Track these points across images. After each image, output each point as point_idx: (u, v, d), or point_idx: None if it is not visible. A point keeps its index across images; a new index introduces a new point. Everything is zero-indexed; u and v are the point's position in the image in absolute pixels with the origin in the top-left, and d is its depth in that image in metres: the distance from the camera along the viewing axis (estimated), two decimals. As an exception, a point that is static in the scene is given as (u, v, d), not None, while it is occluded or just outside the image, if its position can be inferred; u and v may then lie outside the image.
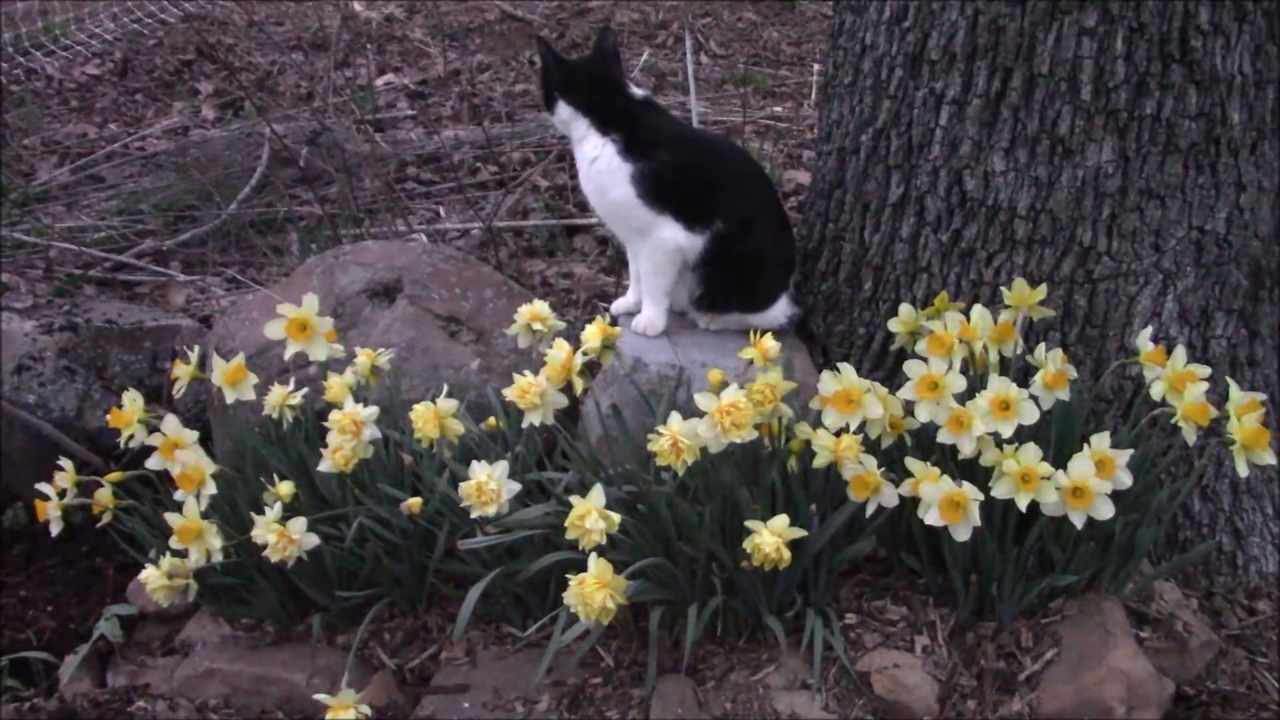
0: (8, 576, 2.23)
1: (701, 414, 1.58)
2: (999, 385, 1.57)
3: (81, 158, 3.98)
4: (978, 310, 1.73)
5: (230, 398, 1.82)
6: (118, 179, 3.84)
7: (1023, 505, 1.52)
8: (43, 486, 1.84)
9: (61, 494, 1.85)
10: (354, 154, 3.71)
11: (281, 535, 1.68)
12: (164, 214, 3.47)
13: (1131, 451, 1.56)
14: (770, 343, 1.66)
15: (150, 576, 1.76)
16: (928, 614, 1.74)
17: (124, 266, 3.19)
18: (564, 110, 1.89)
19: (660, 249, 1.88)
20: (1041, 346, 1.75)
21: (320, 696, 1.67)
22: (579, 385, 1.66)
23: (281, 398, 1.85)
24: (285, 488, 1.78)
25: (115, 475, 1.88)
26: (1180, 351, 1.66)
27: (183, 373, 1.90)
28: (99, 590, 2.15)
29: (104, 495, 1.87)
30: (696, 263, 1.87)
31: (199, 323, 2.53)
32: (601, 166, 1.88)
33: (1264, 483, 1.98)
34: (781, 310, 1.97)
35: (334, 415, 1.75)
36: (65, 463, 1.90)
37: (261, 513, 1.74)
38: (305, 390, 1.87)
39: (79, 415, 2.28)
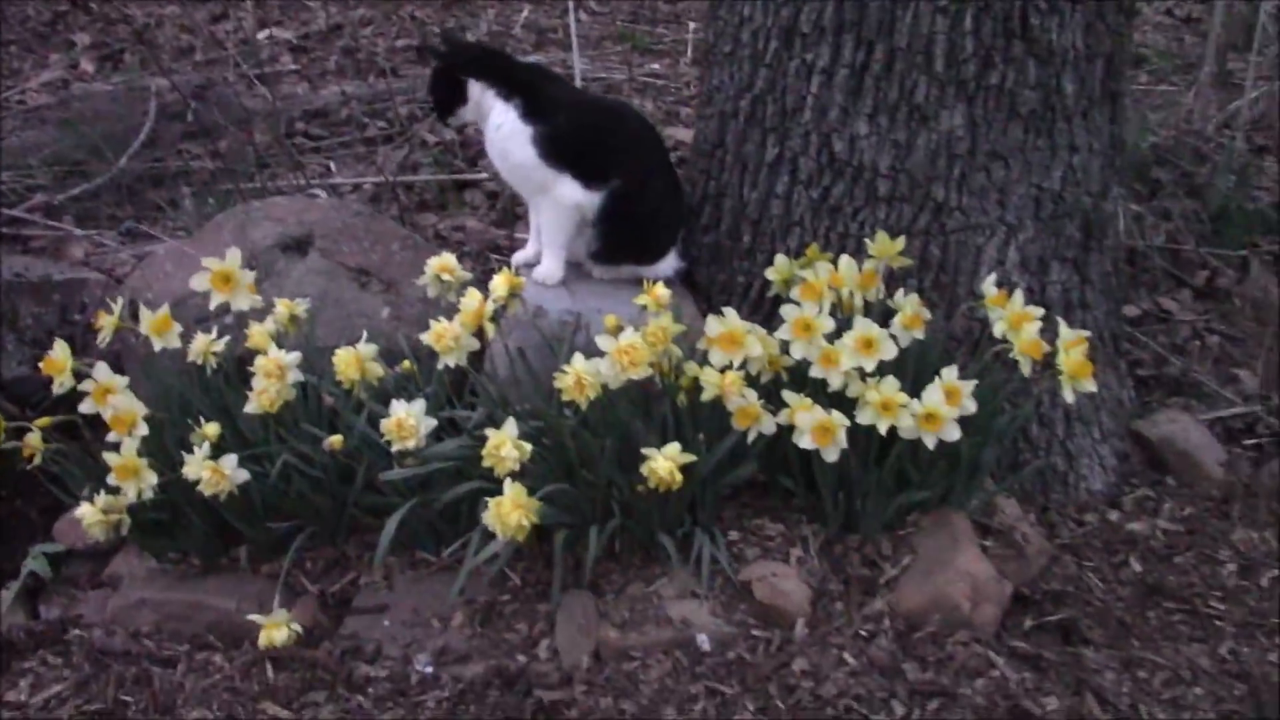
0: (-71, 521, 2.31)
1: (601, 354, 1.76)
2: (863, 326, 1.79)
3: (-42, 112, 3.95)
4: (844, 260, 1.94)
5: (157, 346, 1.95)
6: (-2, 135, 3.83)
7: (883, 429, 1.75)
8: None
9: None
10: (243, 108, 3.77)
11: (214, 471, 1.82)
12: (53, 168, 3.49)
13: (976, 382, 1.79)
14: (662, 290, 1.85)
15: (86, 513, 1.88)
16: (801, 530, 1.96)
17: (17, 221, 3.22)
18: (473, 89, 2.02)
19: (560, 206, 2.04)
20: (900, 292, 1.97)
21: (253, 616, 1.82)
22: (490, 330, 1.83)
23: (205, 345, 1.98)
24: (211, 429, 1.91)
25: (43, 421, 1.99)
26: (1019, 295, 1.89)
27: (107, 323, 2.01)
28: (23, 532, 2.24)
29: (34, 439, 1.97)
30: (595, 219, 2.04)
31: (105, 275, 2.61)
32: (506, 131, 2.03)
33: (1093, 410, 2.24)
34: (670, 263, 2.16)
35: (259, 360, 1.89)
36: (-11, 409, 2.00)
37: (188, 453, 1.88)
38: (227, 338, 1.99)
39: (-6, 365, 2.36)
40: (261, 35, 4.59)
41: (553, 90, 2.06)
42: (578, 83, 3.66)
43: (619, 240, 2.08)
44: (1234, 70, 3.99)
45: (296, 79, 4.26)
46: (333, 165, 3.60)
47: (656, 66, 4.39)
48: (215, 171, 3.47)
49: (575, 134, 2.02)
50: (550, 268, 2.08)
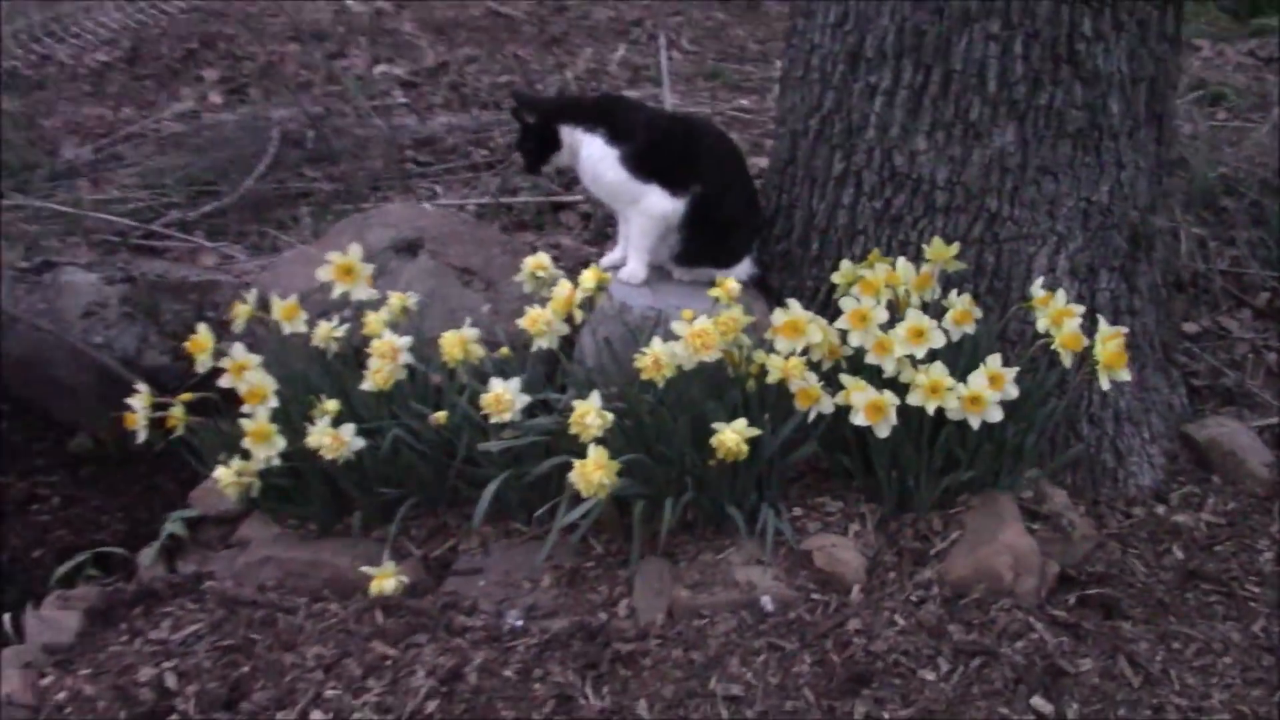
0: (79, 491, 2.59)
1: (678, 340, 1.97)
2: (914, 317, 1.97)
3: (101, 137, 4.32)
4: (901, 262, 2.13)
5: (286, 330, 2.20)
6: (137, 158, 4.18)
7: (930, 410, 1.93)
8: (130, 400, 2.20)
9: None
10: (357, 136, 4.08)
11: (334, 438, 2.07)
12: (186, 188, 3.82)
13: (1018, 369, 1.97)
14: (732, 283, 2.05)
15: (222, 475, 2.14)
16: (859, 508, 2.14)
17: (154, 234, 3.54)
18: (565, 134, 2.26)
19: (649, 215, 2.26)
20: (954, 292, 2.15)
21: (365, 568, 2.05)
22: (578, 316, 2.05)
23: (327, 331, 2.23)
24: (331, 404, 2.16)
25: (186, 396, 2.25)
26: (1061, 294, 2.06)
27: (241, 311, 2.27)
28: (162, 501, 2.52)
29: (177, 412, 2.24)
30: (679, 224, 2.26)
31: (235, 278, 2.89)
32: (596, 157, 2.26)
33: (1143, 412, 2.39)
34: (744, 268, 2.36)
35: (375, 343, 2.14)
36: (141, 386, 2.27)
37: (311, 425, 2.12)
38: (347, 325, 2.24)
39: (139, 355, 2.64)
40: (375, 70, 4.91)
41: (629, 114, 2.30)
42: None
43: (700, 244, 2.29)
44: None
45: (406, 111, 4.56)
46: (439, 188, 3.88)
47: (744, 102, 4.61)
48: (332, 192, 3.77)
49: (656, 148, 2.24)
50: (635, 269, 2.29)
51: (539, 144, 2.29)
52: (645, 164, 2.24)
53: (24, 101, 4.61)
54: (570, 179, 3.75)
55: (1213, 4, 5.47)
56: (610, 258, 2.39)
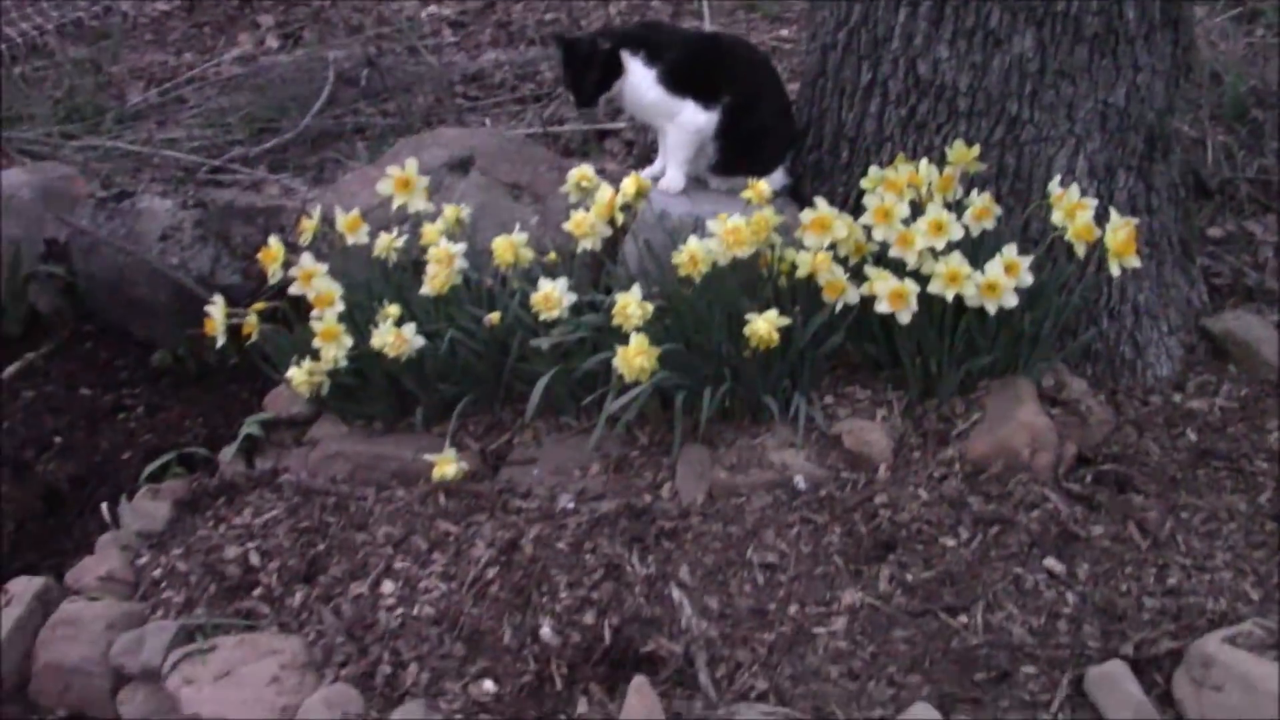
0: (161, 401, 2.79)
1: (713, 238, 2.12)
2: (934, 211, 2.10)
3: (164, 82, 4.51)
4: (923, 163, 2.25)
5: (349, 241, 2.38)
6: (199, 100, 4.37)
7: (949, 297, 2.07)
8: (209, 308, 2.39)
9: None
10: (409, 73, 4.23)
11: (397, 336, 2.24)
12: (248, 126, 4.00)
13: (1032, 257, 2.09)
14: (764, 185, 2.19)
15: (295, 374, 2.32)
16: (886, 395, 2.28)
17: (219, 170, 3.72)
18: (625, 58, 2.38)
19: (685, 128, 2.40)
20: (975, 192, 2.27)
21: (428, 455, 2.23)
22: (620, 219, 2.20)
23: (388, 242, 2.40)
24: (393, 309, 2.33)
25: (259, 305, 2.43)
26: (1074, 189, 2.18)
27: (308, 226, 2.44)
28: (239, 408, 2.70)
29: (251, 320, 2.42)
30: (715, 134, 2.40)
31: (300, 202, 3.07)
32: (636, 79, 2.40)
33: (1161, 306, 2.50)
34: (778, 177, 2.49)
35: (431, 250, 2.30)
36: (217, 298, 2.45)
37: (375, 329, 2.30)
38: (406, 236, 2.41)
39: (212, 274, 2.83)
40: (424, 13, 5.05)
41: (662, 35, 2.47)
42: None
43: (734, 153, 2.43)
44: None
45: (455, 50, 4.71)
46: (488, 121, 4.02)
47: (785, 33, 4.70)
48: (386, 126, 3.93)
49: (688, 65, 2.39)
50: (674, 178, 2.44)
51: (603, 73, 2.40)
52: (679, 80, 2.38)
53: (90, 50, 4.81)
54: (614, 109, 3.89)
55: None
56: (651, 169, 2.53)
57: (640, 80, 2.39)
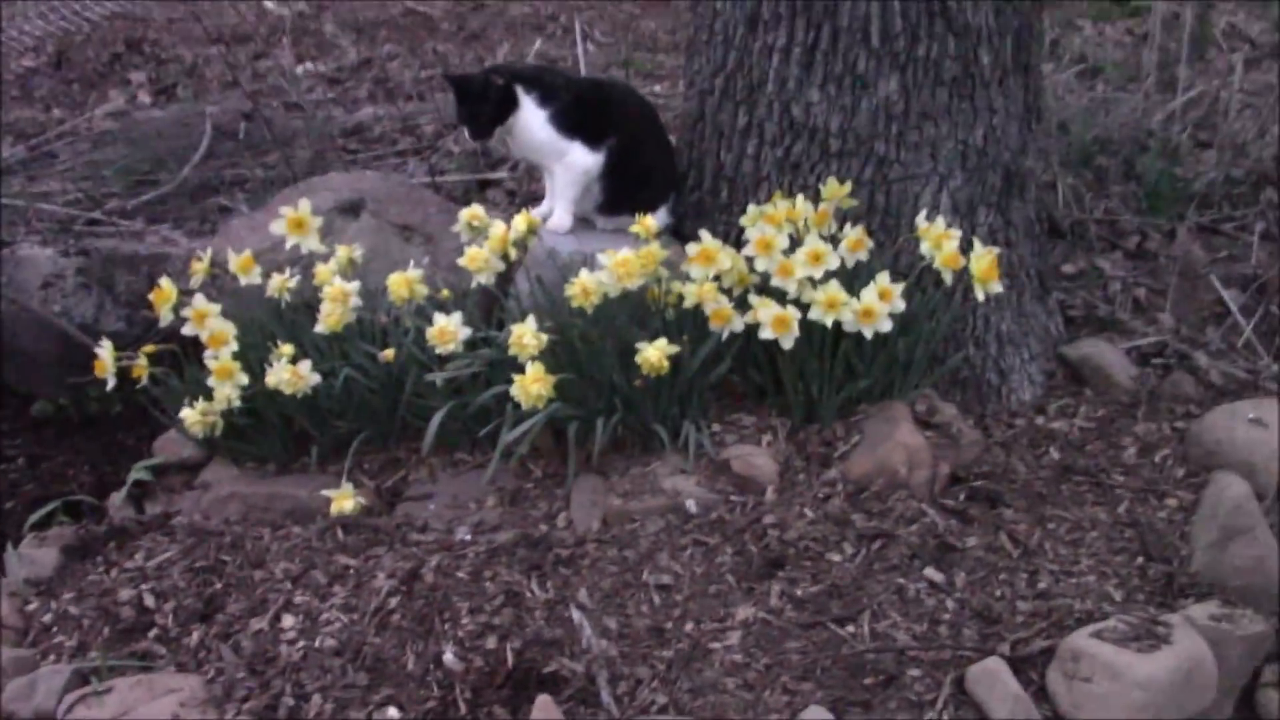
0: (44, 450, 2.75)
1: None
2: (811, 241, 2.22)
3: (33, 137, 4.44)
4: (799, 199, 2.37)
5: (243, 281, 2.40)
6: (71, 155, 4.31)
7: (828, 322, 2.18)
8: (98, 349, 2.38)
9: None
10: (288, 127, 4.25)
11: (294, 373, 2.26)
12: (125, 178, 3.97)
13: (905, 284, 2.22)
14: (651, 220, 2.29)
15: (188, 414, 2.33)
16: (771, 421, 2.38)
17: (96, 223, 3.68)
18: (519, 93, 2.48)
19: (573, 168, 2.50)
20: (848, 225, 2.40)
21: (326, 492, 2.25)
22: (513, 253, 2.27)
23: (281, 282, 2.42)
24: (287, 347, 2.35)
25: (149, 348, 2.43)
26: (940, 220, 2.32)
27: (199, 268, 2.46)
28: (125, 455, 2.68)
29: (141, 363, 2.41)
30: (601, 174, 2.49)
31: (187, 246, 3.07)
32: (527, 117, 2.49)
33: (1022, 335, 2.66)
34: (661, 216, 2.59)
35: (326, 288, 2.33)
36: (105, 343, 2.44)
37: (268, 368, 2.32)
38: (298, 276, 2.44)
39: (97, 321, 2.81)
40: (299, 70, 5.08)
41: (555, 79, 2.56)
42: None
43: (619, 193, 2.52)
44: (1179, 78, 4.44)
45: (333, 105, 4.74)
46: (369, 173, 4.06)
47: (657, 88, 4.85)
48: (266, 179, 3.94)
49: (578, 107, 2.48)
50: (562, 218, 2.52)
51: (498, 107, 2.48)
52: (569, 122, 2.47)
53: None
54: (497, 159, 3.97)
55: (1094, -13, 5.82)
56: (539, 210, 2.60)
57: (532, 119, 2.49)
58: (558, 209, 2.53)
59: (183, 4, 5.88)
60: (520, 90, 2.47)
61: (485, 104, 2.47)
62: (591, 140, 2.47)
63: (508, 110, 2.48)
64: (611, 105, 2.53)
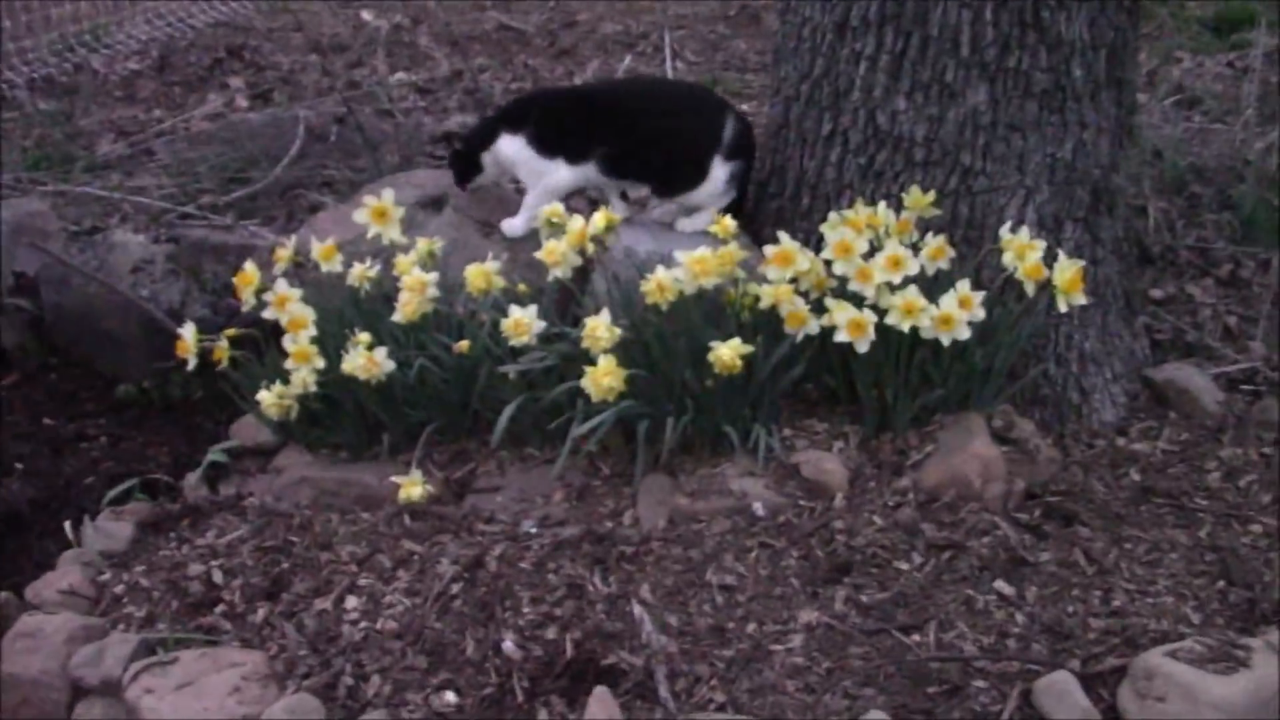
0: (125, 431, 2.81)
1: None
2: (892, 247, 2.20)
3: (135, 134, 4.56)
4: (881, 206, 2.35)
5: (324, 269, 2.43)
6: (169, 153, 4.42)
7: (905, 328, 2.15)
8: (181, 330, 2.43)
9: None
10: (378, 132, 4.32)
11: (370, 360, 2.28)
12: (218, 175, 4.06)
13: (985, 293, 2.19)
14: (730, 220, 2.28)
15: (265, 397, 2.36)
16: (844, 428, 2.35)
17: (188, 216, 3.77)
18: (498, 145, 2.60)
19: (550, 187, 2.57)
20: (930, 234, 2.37)
21: (394, 478, 2.26)
22: (590, 248, 2.28)
23: (362, 272, 2.45)
24: (365, 335, 2.38)
25: (231, 331, 2.47)
26: (1024, 231, 2.28)
27: (283, 255, 2.50)
28: (203, 438, 2.73)
29: (222, 346, 2.46)
30: (603, 182, 2.61)
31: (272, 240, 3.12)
32: (503, 146, 2.59)
33: (1106, 355, 2.60)
34: (717, 187, 2.57)
35: (405, 278, 2.36)
36: (189, 324, 2.49)
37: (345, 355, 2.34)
38: (379, 266, 2.47)
39: (183, 307, 2.87)
40: (393, 78, 5.16)
41: (525, 105, 2.70)
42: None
43: (654, 181, 2.61)
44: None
45: (423, 113, 4.81)
46: (454, 178, 4.11)
47: (745, 107, 4.85)
48: (354, 181, 4.00)
49: (551, 127, 2.56)
50: (518, 223, 2.62)
51: (465, 166, 2.69)
52: (543, 143, 2.55)
53: (60, 104, 4.86)
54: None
55: (1195, 22, 5.72)
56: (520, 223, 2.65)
57: (505, 146, 2.59)
58: (521, 212, 2.62)
59: (284, 13, 6.03)
60: (503, 130, 2.59)
61: (455, 165, 2.70)
62: (572, 158, 2.55)
63: (473, 171, 2.66)
64: (593, 117, 2.59)
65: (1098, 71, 2.47)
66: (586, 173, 2.57)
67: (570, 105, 2.71)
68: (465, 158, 2.67)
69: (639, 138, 2.56)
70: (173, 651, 2.04)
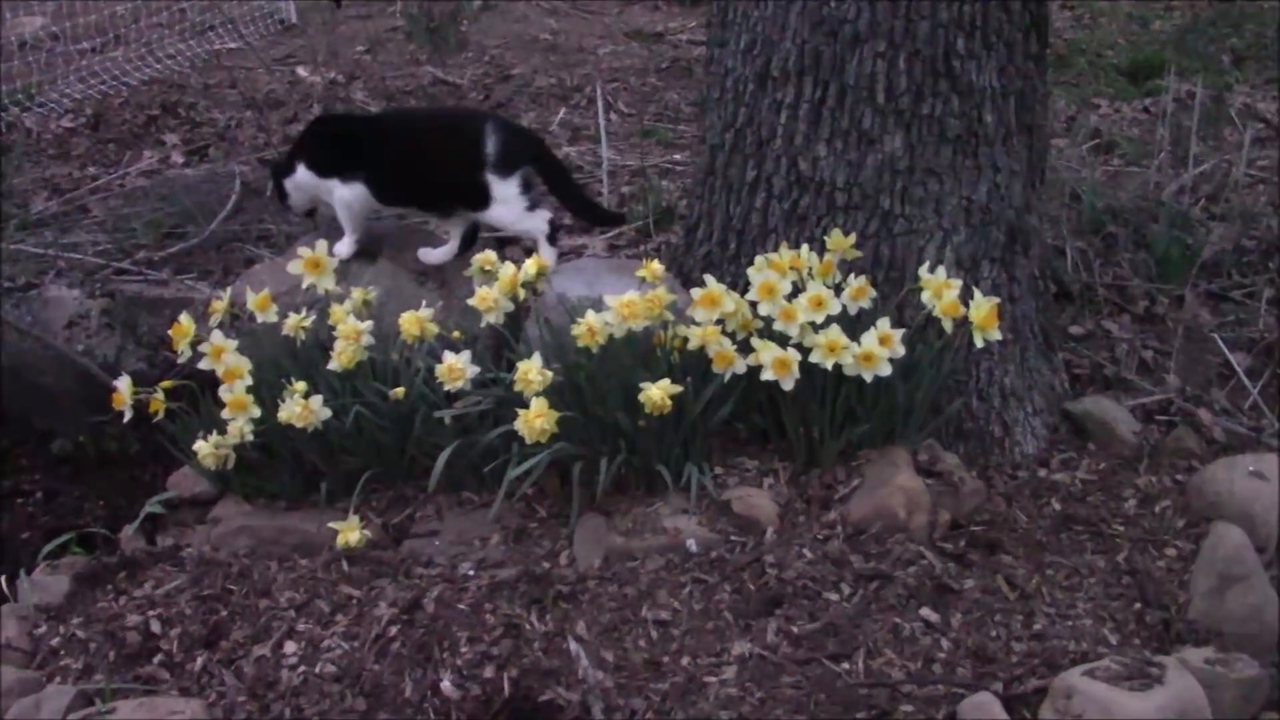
0: (61, 485, 2.81)
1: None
2: (814, 288, 2.27)
3: (68, 192, 4.57)
4: (804, 248, 2.43)
5: (259, 319, 2.46)
6: (104, 210, 4.43)
7: (829, 366, 2.22)
8: (116, 383, 2.44)
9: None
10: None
11: (305, 408, 2.31)
12: (152, 231, 4.07)
13: (906, 331, 2.26)
14: (658, 265, 2.34)
15: (201, 447, 2.37)
16: (773, 464, 2.41)
17: (123, 272, 3.78)
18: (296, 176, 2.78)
19: (338, 203, 2.72)
20: (851, 276, 2.45)
21: (332, 524, 2.29)
22: (522, 294, 2.33)
23: (297, 321, 2.49)
24: (300, 384, 2.40)
25: (166, 383, 2.49)
26: (941, 270, 2.37)
27: (218, 307, 2.53)
28: (139, 491, 2.73)
29: (158, 398, 2.47)
30: (372, 205, 2.75)
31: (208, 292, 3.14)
32: (297, 171, 2.75)
33: (1026, 390, 2.69)
34: (511, 208, 2.68)
35: (340, 327, 2.39)
36: (124, 377, 2.50)
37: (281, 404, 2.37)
38: (314, 316, 2.50)
39: (119, 361, 2.88)
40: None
41: (310, 134, 2.84)
42: (604, 170, 4.27)
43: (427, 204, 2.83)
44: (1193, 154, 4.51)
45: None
46: (387, 222, 4.15)
47: (678, 156, 4.95)
48: (291, 235, 4.03)
49: (322, 148, 2.73)
50: (343, 246, 2.74)
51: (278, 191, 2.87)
52: (319, 164, 2.72)
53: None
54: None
55: (1112, 69, 5.92)
56: (439, 251, 2.79)
57: (294, 174, 2.76)
58: (345, 238, 2.75)
59: (219, 70, 6.06)
60: (298, 162, 2.75)
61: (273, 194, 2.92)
62: (344, 176, 2.69)
63: (285, 198, 2.85)
64: (357, 140, 2.75)
65: (1008, 117, 2.57)
66: (363, 193, 2.70)
67: (337, 128, 2.94)
68: (277, 187, 2.85)
69: (395, 161, 2.70)
70: (110, 702, 2.04)
